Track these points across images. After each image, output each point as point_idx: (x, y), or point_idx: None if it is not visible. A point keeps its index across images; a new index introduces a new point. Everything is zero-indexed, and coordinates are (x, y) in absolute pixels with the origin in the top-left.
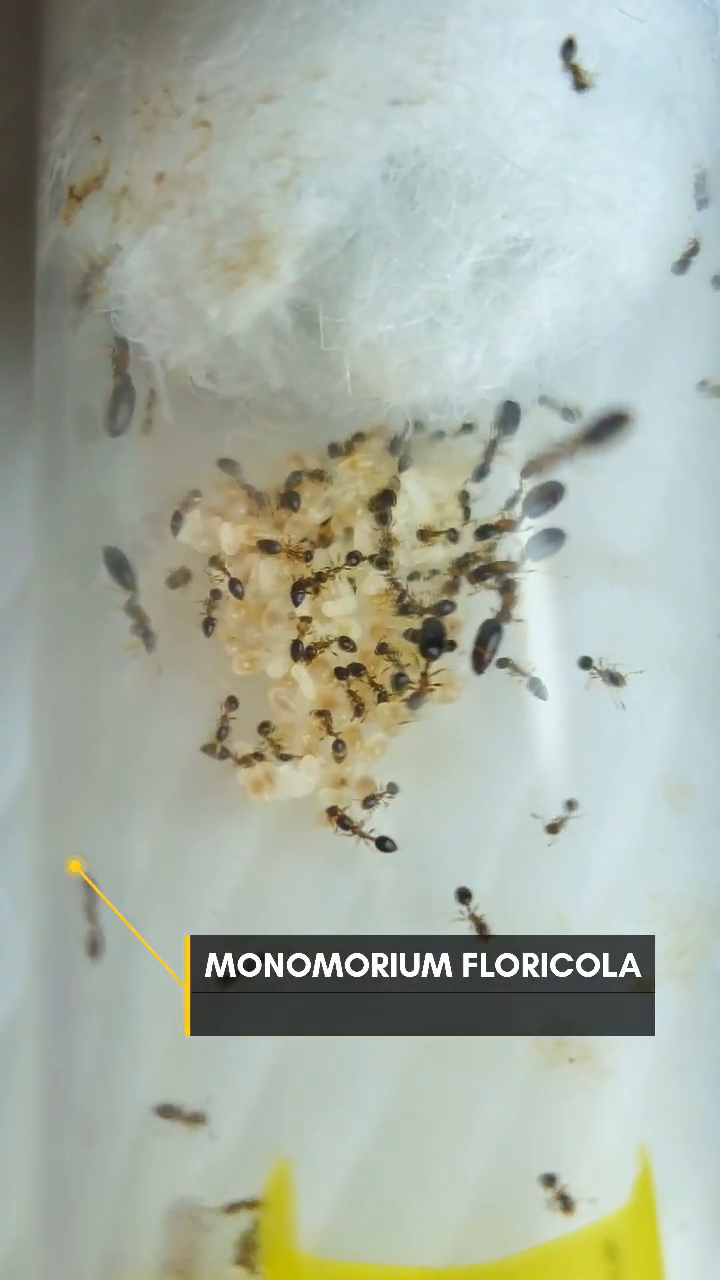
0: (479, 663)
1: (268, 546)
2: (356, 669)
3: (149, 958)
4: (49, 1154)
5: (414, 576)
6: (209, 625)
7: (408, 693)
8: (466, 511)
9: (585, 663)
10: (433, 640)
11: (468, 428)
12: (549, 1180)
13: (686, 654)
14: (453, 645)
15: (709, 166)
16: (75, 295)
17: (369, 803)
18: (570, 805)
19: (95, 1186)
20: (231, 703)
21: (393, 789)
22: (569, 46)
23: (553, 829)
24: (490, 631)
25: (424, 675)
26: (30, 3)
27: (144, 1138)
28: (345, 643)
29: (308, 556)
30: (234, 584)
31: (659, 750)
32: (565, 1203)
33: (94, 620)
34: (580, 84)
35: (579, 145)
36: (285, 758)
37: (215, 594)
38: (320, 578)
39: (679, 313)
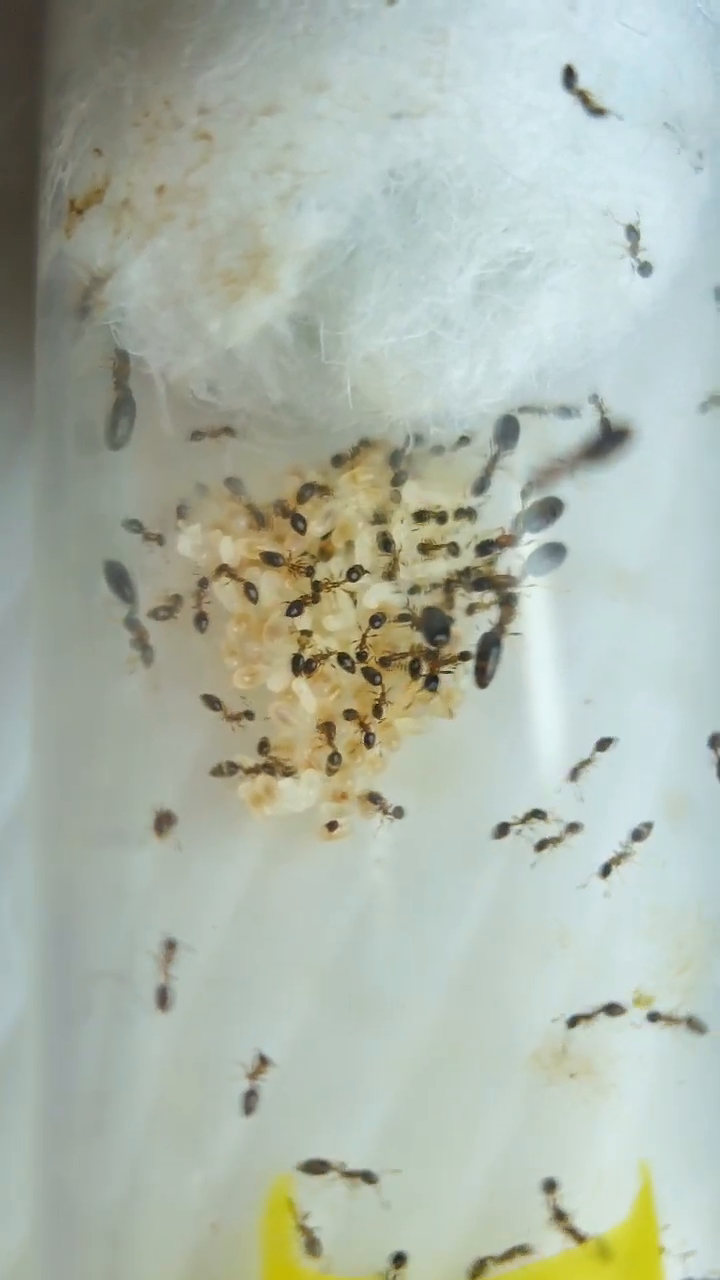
0: (482, 677)
1: (270, 559)
2: (381, 668)
3: (149, 972)
4: (49, 1168)
5: (415, 590)
6: (201, 621)
7: (413, 698)
8: (471, 518)
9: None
10: (438, 628)
11: (464, 440)
12: (550, 1186)
13: (686, 669)
14: (466, 656)
15: (709, 178)
16: (76, 308)
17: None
18: (572, 828)
19: (96, 1201)
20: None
21: (399, 813)
22: (569, 74)
23: (540, 846)
24: (490, 645)
25: (434, 660)
26: (32, 12)
27: (144, 1152)
28: (344, 660)
29: (309, 571)
30: (248, 588)
31: (659, 765)
32: (559, 1215)
33: (94, 634)
34: (594, 109)
35: (581, 158)
36: (288, 772)
37: (203, 582)
38: (317, 588)
39: (680, 326)
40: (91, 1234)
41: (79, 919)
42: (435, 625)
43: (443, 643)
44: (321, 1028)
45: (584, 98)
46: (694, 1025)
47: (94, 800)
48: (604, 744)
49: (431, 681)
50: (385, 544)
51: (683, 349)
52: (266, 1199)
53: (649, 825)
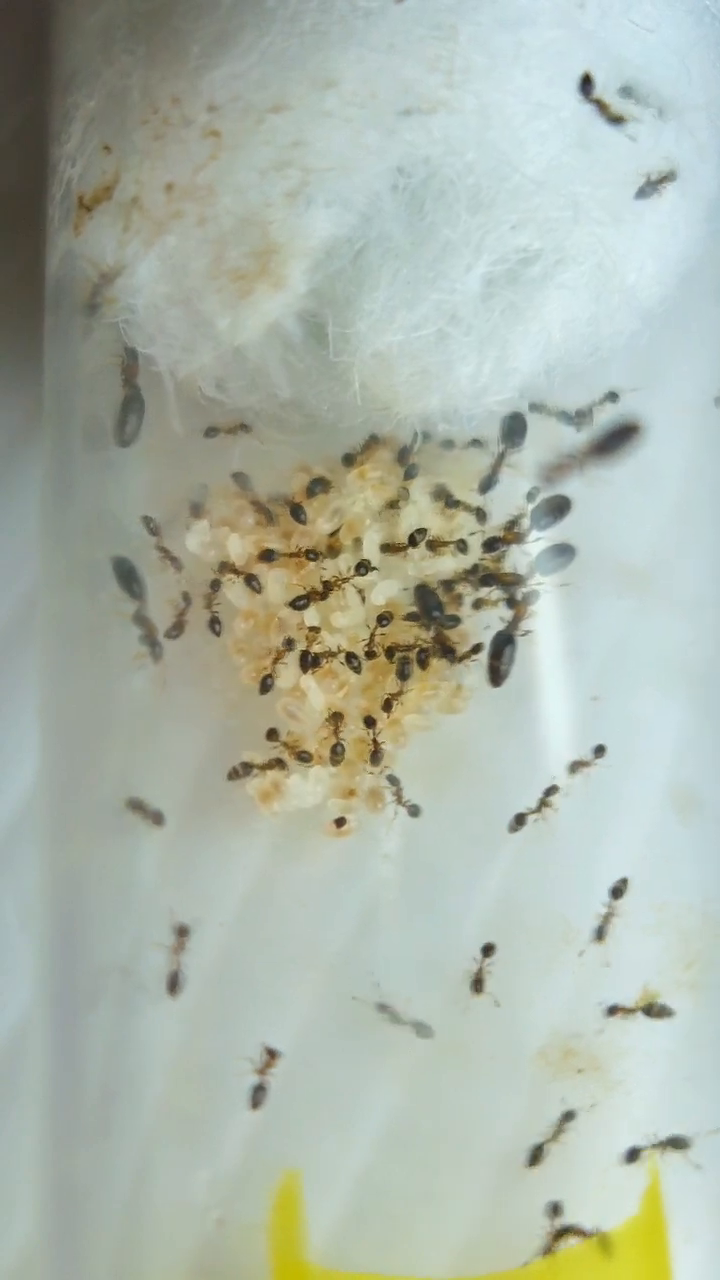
0: (496, 676)
1: (267, 556)
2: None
3: (156, 968)
4: (56, 1164)
5: (423, 587)
6: (215, 624)
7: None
8: (481, 516)
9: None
10: (432, 605)
11: (477, 442)
12: (555, 1210)
13: (695, 665)
14: (479, 648)
15: (717, 176)
16: (84, 305)
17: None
18: (599, 751)
19: (103, 1196)
20: (287, 644)
21: (415, 811)
22: (587, 83)
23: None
24: (503, 643)
25: (439, 636)
26: (40, 11)
27: (151, 1148)
28: (351, 659)
29: (310, 555)
30: (250, 579)
31: (667, 761)
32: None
33: (102, 631)
34: (613, 118)
35: (589, 156)
36: (303, 758)
37: (215, 584)
38: (328, 587)
39: (688, 323)
40: (98, 1230)
41: (85, 916)
42: (430, 602)
43: (439, 619)
44: (328, 1024)
45: (601, 106)
46: (657, 1011)
47: (101, 797)
48: (600, 750)
49: (449, 653)
50: (412, 541)
51: (691, 345)
52: (274, 1195)
53: (625, 881)
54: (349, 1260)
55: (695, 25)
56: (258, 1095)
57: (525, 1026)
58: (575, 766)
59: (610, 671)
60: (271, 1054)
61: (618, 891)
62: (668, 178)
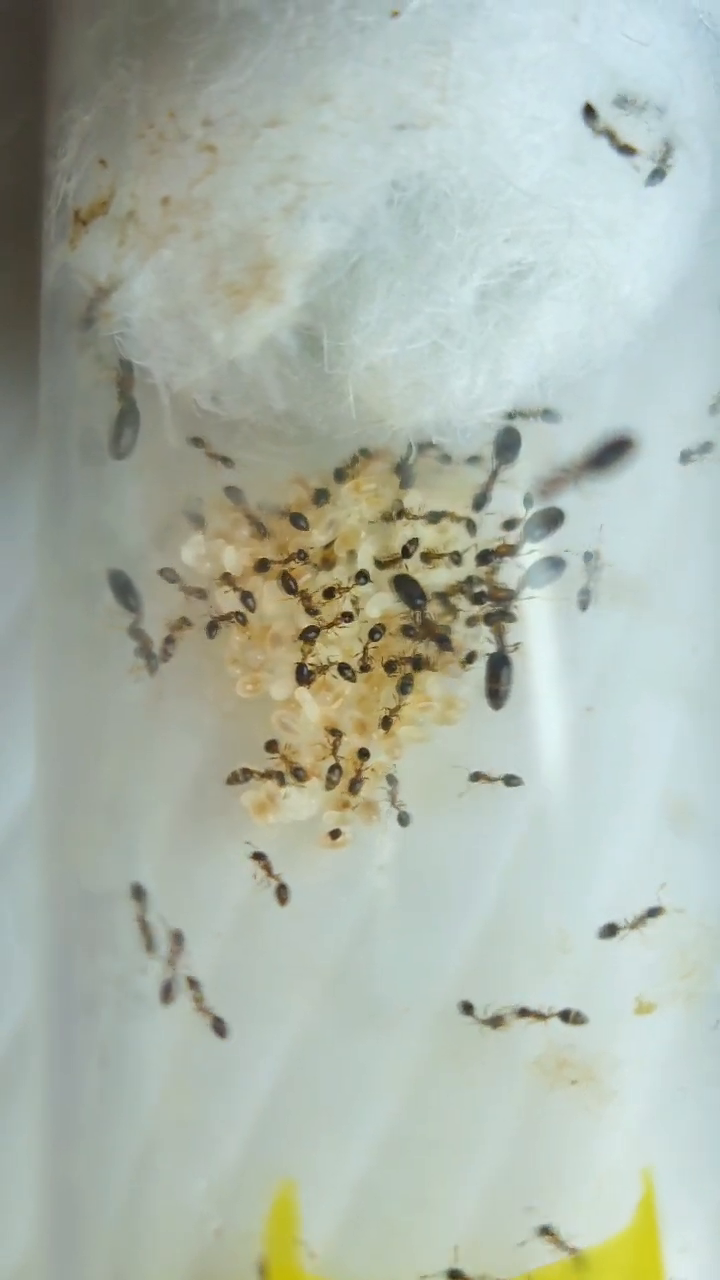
0: (495, 699)
1: (261, 566)
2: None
3: (153, 980)
4: (55, 1173)
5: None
6: (213, 629)
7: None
8: (471, 529)
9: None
10: (414, 594)
11: (474, 459)
12: (545, 1230)
13: (690, 676)
14: (472, 657)
15: (711, 187)
16: (80, 319)
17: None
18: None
19: (101, 1206)
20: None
21: (404, 820)
22: (589, 112)
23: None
24: (499, 665)
25: (425, 624)
26: (37, 24)
27: (149, 1158)
28: (344, 670)
29: (301, 557)
30: (245, 596)
31: (662, 772)
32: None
33: (98, 643)
34: (622, 147)
35: (583, 168)
36: (298, 773)
37: (241, 617)
38: (329, 594)
39: (681, 335)
40: (96, 1237)
41: (83, 926)
42: (412, 591)
43: (421, 605)
44: (324, 1034)
45: (610, 135)
46: (572, 1018)
47: (98, 807)
48: (511, 780)
49: (443, 641)
50: (405, 552)
51: (685, 357)
52: (271, 1204)
53: (613, 927)
54: (344, 1269)
55: (689, 38)
56: (167, 991)
57: (520, 1037)
58: (478, 776)
59: (605, 683)
60: (177, 940)
61: (611, 930)
62: (671, 153)
